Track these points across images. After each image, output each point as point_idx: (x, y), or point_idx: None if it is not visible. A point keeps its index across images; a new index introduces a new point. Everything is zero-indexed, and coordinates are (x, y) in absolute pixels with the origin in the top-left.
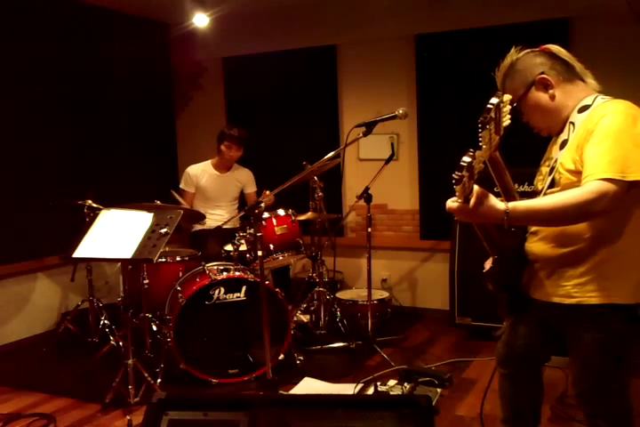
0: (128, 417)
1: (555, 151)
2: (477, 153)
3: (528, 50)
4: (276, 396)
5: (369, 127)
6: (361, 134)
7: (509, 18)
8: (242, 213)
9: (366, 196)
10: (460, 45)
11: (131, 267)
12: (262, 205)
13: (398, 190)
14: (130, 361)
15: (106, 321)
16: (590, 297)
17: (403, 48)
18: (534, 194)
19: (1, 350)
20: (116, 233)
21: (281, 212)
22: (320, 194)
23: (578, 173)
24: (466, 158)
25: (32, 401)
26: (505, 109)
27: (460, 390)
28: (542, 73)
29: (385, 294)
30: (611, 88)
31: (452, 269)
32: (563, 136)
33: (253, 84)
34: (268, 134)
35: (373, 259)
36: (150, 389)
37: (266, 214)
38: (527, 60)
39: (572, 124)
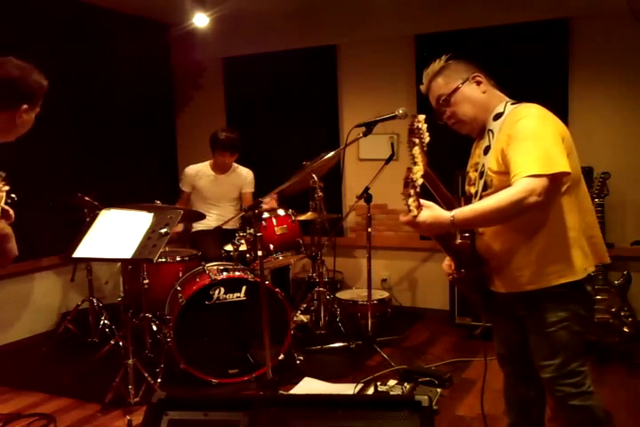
0: (128, 417)
1: (480, 157)
2: (415, 169)
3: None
4: (276, 396)
5: (369, 127)
6: (361, 134)
7: (509, 18)
8: (242, 214)
9: (366, 196)
10: (460, 45)
11: (131, 267)
12: (263, 205)
13: (398, 190)
14: (130, 361)
15: (106, 321)
16: (547, 280)
17: (403, 48)
18: (469, 198)
19: (1, 350)
20: (116, 233)
21: (281, 212)
22: (320, 194)
23: (503, 174)
24: (409, 175)
25: (32, 401)
26: (423, 128)
27: (460, 390)
28: (477, 72)
29: (385, 294)
30: (611, 87)
31: None
32: (484, 143)
33: (253, 84)
34: (268, 134)
35: (373, 259)
36: (150, 389)
37: (266, 214)
38: (460, 64)
39: (491, 131)
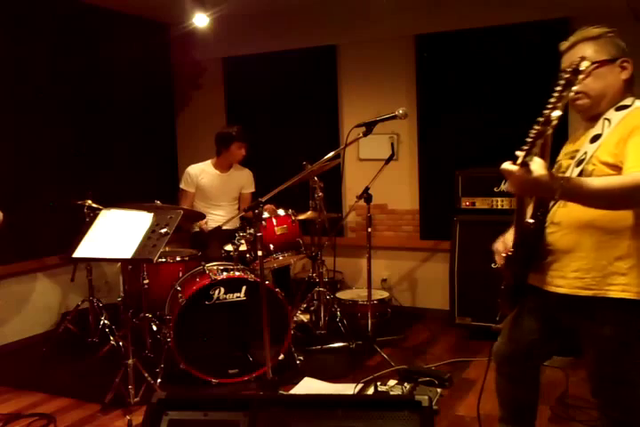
0: (128, 417)
1: (581, 145)
2: (553, 115)
3: None
4: (276, 396)
5: (369, 127)
6: (361, 134)
7: (509, 18)
8: (242, 213)
9: (366, 196)
10: (460, 45)
11: (131, 267)
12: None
13: (398, 190)
14: (130, 361)
15: (106, 321)
16: (607, 291)
17: (403, 48)
18: None
19: (1, 350)
20: (115, 233)
21: (281, 212)
22: (320, 194)
23: (615, 168)
24: (547, 113)
25: (32, 401)
26: (580, 79)
27: (460, 390)
28: (628, 59)
29: (385, 294)
30: None
31: (452, 269)
32: (594, 131)
33: (253, 84)
34: (268, 134)
35: (373, 259)
36: (150, 389)
37: (266, 214)
38: (620, 42)
39: (608, 120)
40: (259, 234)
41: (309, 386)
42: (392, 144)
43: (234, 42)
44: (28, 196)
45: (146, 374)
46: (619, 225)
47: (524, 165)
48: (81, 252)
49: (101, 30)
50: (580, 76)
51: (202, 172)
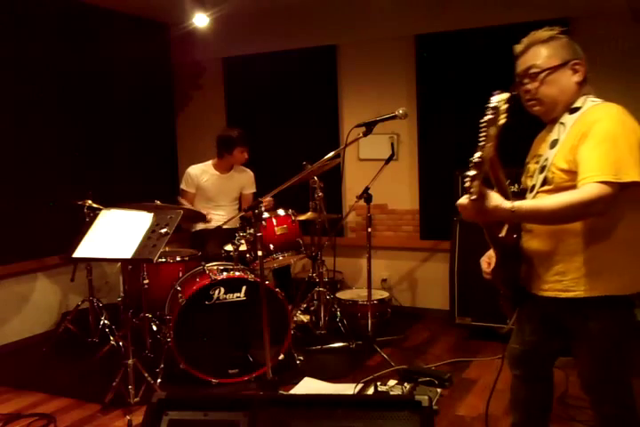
0: (128, 417)
1: (544, 149)
2: (484, 151)
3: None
4: (276, 396)
5: (369, 127)
6: (361, 134)
7: (509, 18)
8: (242, 213)
9: (366, 196)
10: (460, 45)
11: (131, 267)
12: (262, 205)
13: (398, 190)
14: (130, 361)
15: (106, 321)
16: (586, 290)
17: (403, 48)
18: (523, 191)
19: (1, 350)
20: (116, 233)
21: (281, 212)
22: (320, 194)
23: (571, 173)
24: (476, 156)
25: (32, 401)
26: (502, 108)
27: (460, 390)
28: (580, 60)
29: (385, 294)
30: (611, 88)
31: (452, 269)
32: (552, 136)
33: (253, 84)
34: (268, 134)
35: (373, 259)
36: (150, 389)
37: (266, 214)
38: (571, 43)
39: (563, 124)
40: (259, 234)
41: (309, 386)
42: (392, 144)
43: (234, 42)
44: (28, 196)
45: (146, 374)
46: (586, 228)
47: (473, 199)
48: (81, 252)
49: (101, 30)
50: (502, 108)
51: (202, 172)
